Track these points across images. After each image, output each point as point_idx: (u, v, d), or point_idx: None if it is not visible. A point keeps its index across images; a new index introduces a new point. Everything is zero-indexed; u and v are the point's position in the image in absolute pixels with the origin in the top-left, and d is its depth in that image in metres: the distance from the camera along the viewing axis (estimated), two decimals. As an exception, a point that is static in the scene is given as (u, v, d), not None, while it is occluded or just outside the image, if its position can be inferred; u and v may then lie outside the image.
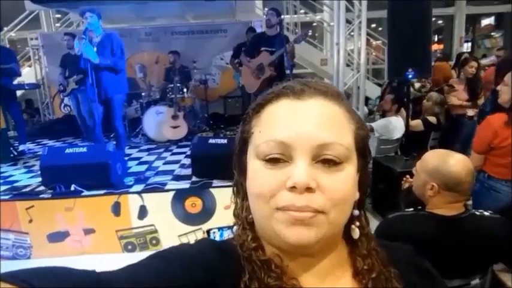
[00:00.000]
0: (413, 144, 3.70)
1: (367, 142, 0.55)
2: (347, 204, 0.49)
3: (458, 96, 4.18)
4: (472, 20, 10.90)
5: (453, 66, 5.31)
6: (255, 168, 0.49)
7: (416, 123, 4.06)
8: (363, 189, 0.54)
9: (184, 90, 5.46)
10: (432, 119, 4.09)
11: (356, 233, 0.54)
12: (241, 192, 0.56)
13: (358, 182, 0.52)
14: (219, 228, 1.60)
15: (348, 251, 0.56)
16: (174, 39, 6.61)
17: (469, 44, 10.93)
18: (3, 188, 3.57)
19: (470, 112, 3.80)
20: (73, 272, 0.40)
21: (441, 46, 11.11)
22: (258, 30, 5.34)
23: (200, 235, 3.19)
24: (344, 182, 0.48)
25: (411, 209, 1.52)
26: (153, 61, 6.20)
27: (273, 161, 0.48)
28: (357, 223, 0.54)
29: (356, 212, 0.53)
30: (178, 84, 5.33)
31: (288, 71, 3.90)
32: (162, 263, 0.47)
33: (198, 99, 6.18)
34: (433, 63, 4.88)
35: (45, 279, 0.37)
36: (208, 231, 1.55)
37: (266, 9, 4.28)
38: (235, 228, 0.56)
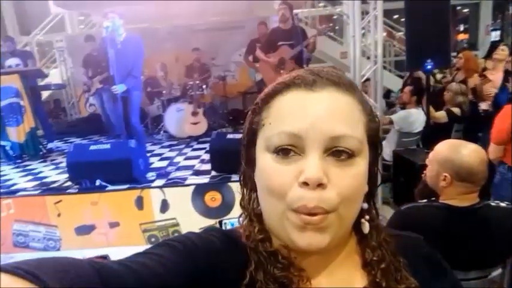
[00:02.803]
0: (435, 137, 3.61)
1: (379, 134, 0.53)
2: (357, 199, 0.49)
3: (495, 85, 3.99)
4: (501, 7, 10.45)
5: (486, 55, 5.11)
6: (265, 162, 0.48)
7: (440, 115, 3.96)
8: (372, 181, 0.53)
9: (204, 87, 5.53)
10: (456, 110, 3.98)
11: (366, 228, 0.53)
12: (249, 184, 0.55)
13: (368, 175, 0.51)
14: (230, 220, 1.64)
15: (357, 241, 0.55)
16: (193, 37, 6.67)
17: (497, 32, 10.49)
18: (34, 183, 3.75)
19: (484, 106, 3.57)
20: (77, 262, 0.39)
21: (467, 36, 10.72)
22: (275, 25, 5.33)
23: (220, 228, 3.27)
24: (355, 177, 0.47)
25: (425, 200, 1.51)
26: (173, 59, 6.30)
27: (283, 152, 0.47)
28: (367, 216, 0.53)
29: (365, 205, 0.53)
30: (197, 82, 5.42)
31: (304, 65, 3.89)
32: (168, 251, 0.47)
33: (218, 96, 6.24)
34: (454, 54, 4.74)
35: (49, 270, 0.35)
36: (220, 222, 1.59)
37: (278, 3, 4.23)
38: (241, 218, 0.56)
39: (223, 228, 1.63)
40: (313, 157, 0.45)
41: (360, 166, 0.48)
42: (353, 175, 0.47)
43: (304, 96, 0.48)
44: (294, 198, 0.45)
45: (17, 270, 0.34)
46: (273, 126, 0.49)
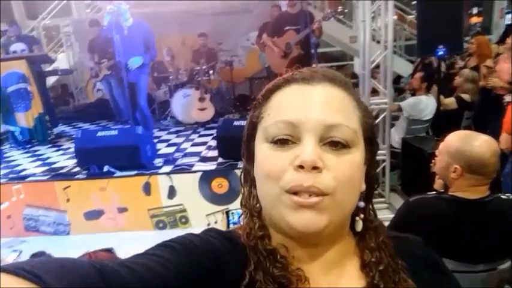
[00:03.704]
0: (445, 124, 3.57)
1: (374, 132, 0.54)
2: (353, 187, 0.49)
3: (501, 77, 3.88)
4: (517, -11, 10.09)
5: (499, 40, 4.97)
6: (263, 151, 0.50)
7: (450, 101, 3.90)
8: (370, 181, 0.54)
9: (211, 72, 5.49)
10: (466, 97, 3.91)
11: (359, 226, 0.54)
12: (249, 180, 0.56)
13: (365, 174, 0.52)
14: (238, 210, 1.63)
15: (356, 242, 0.56)
16: (199, 21, 6.59)
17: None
18: (43, 169, 3.79)
19: (509, 98, 3.48)
20: (78, 263, 0.39)
21: (480, 19, 10.42)
22: (284, 8, 5.23)
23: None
24: (350, 164, 0.48)
25: (434, 192, 1.49)
26: (179, 43, 6.23)
27: (281, 142, 0.48)
28: (361, 215, 0.54)
29: (362, 204, 0.53)
30: (204, 67, 5.37)
31: (312, 50, 3.82)
32: (169, 252, 0.47)
33: (224, 81, 6.20)
34: (467, 38, 4.61)
35: (51, 270, 0.35)
36: (227, 212, 1.59)
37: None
38: (242, 217, 0.57)
39: (231, 218, 1.63)
40: (308, 143, 0.47)
41: (355, 156, 0.49)
42: (348, 162, 0.48)
43: (302, 89, 0.51)
44: (288, 180, 0.46)
45: (18, 270, 0.34)
46: (271, 117, 0.51)
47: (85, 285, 0.37)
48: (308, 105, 0.49)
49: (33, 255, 2.69)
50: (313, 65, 3.91)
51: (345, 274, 0.53)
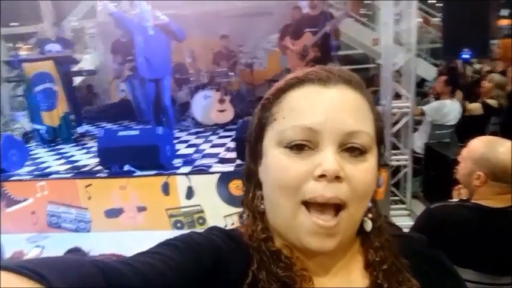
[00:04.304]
0: (470, 129, 3.46)
1: (383, 136, 0.54)
2: (367, 196, 0.49)
3: None
4: (549, -10, 9.70)
5: None
6: (277, 156, 0.48)
7: (475, 107, 3.78)
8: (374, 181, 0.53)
9: (231, 74, 5.51)
10: (492, 102, 3.78)
11: (368, 226, 0.53)
12: (253, 181, 0.54)
13: None
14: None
15: (360, 242, 0.55)
16: (220, 23, 6.62)
17: (544, 17, 9.76)
18: (66, 167, 3.90)
19: None
20: (81, 262, 0.39)
21: (510, 21, 10.06)
22: (304, 10, 5.21)
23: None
24: (368, 173, 0.47)
25: (456, 200, 1.44)
26: (201, 46, 6.29)
27: (297, 148, 0.46)
28: (369, 215, 0.53)
29: (369, 205, 0.52)
30: (225, 69, 5.40)
31: (332, 52, 3.78)
32: (171, 251, 0.47)
33: (245, 83, 6.21)
34: (495, 42, 4.46)
35: (54, 269, 0.35)
36: (241, 215, 1.57)
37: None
38: (244, 215, 0.56)
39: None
40: (329, 151, 0.45)
41: (371, 162, 0.48)
42: (365, 170, 0.47)
43: (319, 91, 0.48)
44: (308, 190, 0.45)
45: (21, 269, 0.33)
46: (287, 120, 0.48)
47: (87, 284, 0.36)
48: (326, 109, 0.47)
49: (69, 252, 2.74)
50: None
51: (349, 273, 0.53)
